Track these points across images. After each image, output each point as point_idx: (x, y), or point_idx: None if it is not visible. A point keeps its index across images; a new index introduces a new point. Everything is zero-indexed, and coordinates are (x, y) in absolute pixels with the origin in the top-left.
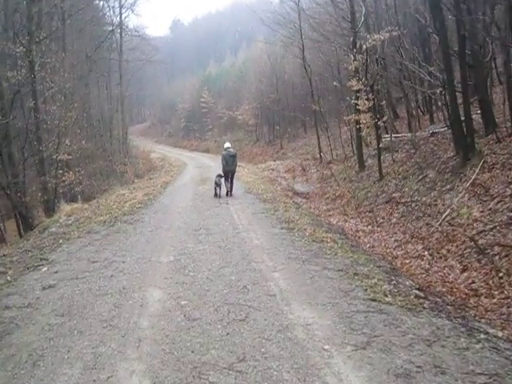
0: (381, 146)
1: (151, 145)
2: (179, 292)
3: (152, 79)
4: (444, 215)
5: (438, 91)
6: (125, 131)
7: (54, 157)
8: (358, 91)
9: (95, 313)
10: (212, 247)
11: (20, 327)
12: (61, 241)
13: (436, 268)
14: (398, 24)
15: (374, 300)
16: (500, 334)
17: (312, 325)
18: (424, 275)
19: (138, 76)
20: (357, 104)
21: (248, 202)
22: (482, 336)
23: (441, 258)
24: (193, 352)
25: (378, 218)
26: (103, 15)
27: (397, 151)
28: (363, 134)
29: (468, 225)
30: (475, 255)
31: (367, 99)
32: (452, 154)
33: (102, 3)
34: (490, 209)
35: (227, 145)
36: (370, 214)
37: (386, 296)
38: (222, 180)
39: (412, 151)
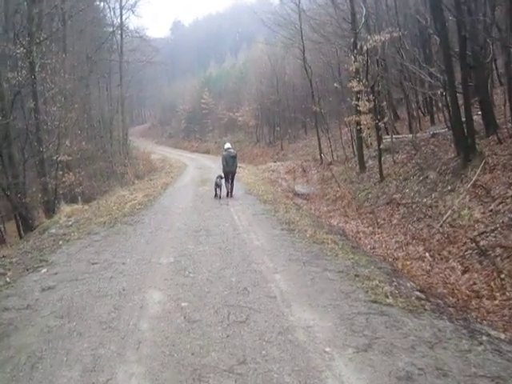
0: (381, 147)
1: (151, 146)
2: (179, 294)
3: (152, 80)
4: (445, 216)
5: (439, 92)
6: (125, 132)
7: (55, 158)
8: (358, 92)
9: (94, 314)
10: (212, 248)
11: (19, 329)
12: (61, 242)
13: (437, 269)
14: (398, 25)
15: (375, 302)
16: (502, 336)
17: (313, 327)
18: (425, 277)
19: (139, 77)
20: (357, 105)
21: (248, 203)
22: (484, 338)
23: (442, 259)
24: (193, 354)
25: (378, 220)
26: (104, 16)
27: (397, 152)
28: (364, 135)
29: (469, 226)
30: (476, 257)
31: (368, 100)
32: (453, 155)
33: (102, 4)
34: (492, 210)
35: (227, 146)
36: (371, 216)
37: (388, 298)
38: (223, 181)
39: (413, 152)
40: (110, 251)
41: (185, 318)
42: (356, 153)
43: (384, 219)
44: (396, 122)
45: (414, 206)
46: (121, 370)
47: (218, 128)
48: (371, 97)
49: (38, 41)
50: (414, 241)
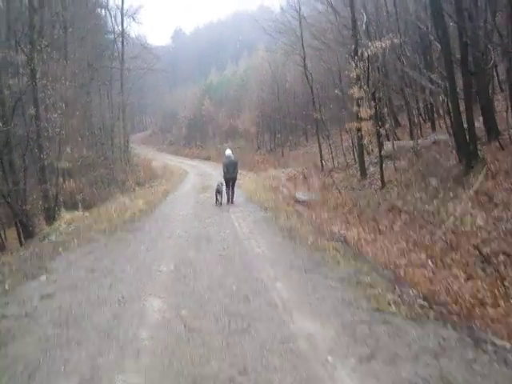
0: (382, 153)
1: (152, 153)
2: (179, 302)
3: (154, 88)
4: (447, 223)
5: (440, 99)
6: (126, 139)
7: (55, 165)
8: (359, 99)
9: (93, 323)
10: (213, 256)
11: (16, 337)
12: (60, 249)
13: (440, 277)
14: (399, 32)
15: (378, 310)
16: (508, 345)
17: (315, 336)
18: (428, 284)
19: (140, 84)
20: (358, 112)
21: (249, 210)
22: (490, 347)
23: (444, 266)
24: (193, 364)
25: (380, 227)
26: (105, 23)
27: (399, 159)
28: (365, 141)
29: (472, 233)
30: (480, 264)
31: (369, 107)
32: (455, 161)
33: (103, 11)
34: (494, 217)
35: (228, 152)
36: (373, 223)
37: (390, 306)
38: (223, 188)
39: (414, 159)
40: (109, 258)
41: (185, 326)
42: (357, 160)
43: (385, 226)
44: (397, 128)
45: (415, 213)
46: (119, 380)
47: (218, 135)
48: (372, 103)
49: (39, 48)
50: (416, 248)
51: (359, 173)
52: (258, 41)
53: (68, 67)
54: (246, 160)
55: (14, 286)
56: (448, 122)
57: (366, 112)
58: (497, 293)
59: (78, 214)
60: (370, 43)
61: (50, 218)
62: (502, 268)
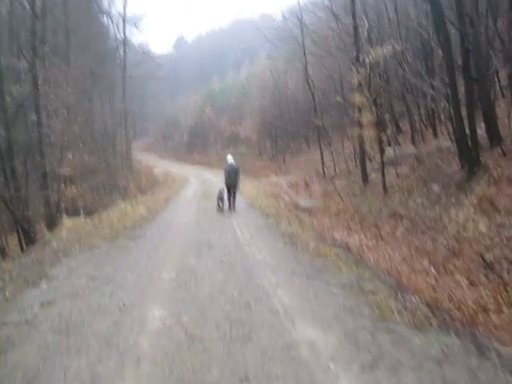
0: (384, 159)
1: (154, 160)
2: (180, 309)
3: (156, 95)
4: (450, 230)
5: (442, 105)
6: (128, 146)
7: (57, 171)
8: (361, 105)
9: (94, 330)
10: (214, 262)
11: (16, 345)
12: (61, 256)
13: (443, 283)
14: (400, 38)
15: (380, 317)
16: None
17: (317, 343)
18: (430, 291)
19: (142, 92)
20: (360, 118)
21: (251, 216)
22: (493, 354)
23: (447, 273)
24: (193, 371)
25: (382, 233)
26: (107, 31)
27: (400, 165)
28: (366, 148)
29: (474, 239)
30: (482, 270)
31: (370, 113)
32: (457, 167)
33: (106, 19)
34: (497, 223)
35: (230, 159)
36: (374, 229)
37: (393, 313)
38: (225, 194)
39: (416, 165)
40: (110, 265)
41: (186, 333)
42: (359, 166)
43: (387, 232)
44: (398, 134)
45: (417, 219)
46: None
47: (220, 142)
48: (374, 109)
49: (41, 54)
50: (418, 254)
51: (361, 179)
52: (260, 48)
53: (70, 74)
54: (247, 167)
55: (15, 292)
56: (450, 128)
57: (367, 118)
58: (500, 299)
59: (80, 220)
60: (371, 50)
61: (52, 224)
62: (505, 274)
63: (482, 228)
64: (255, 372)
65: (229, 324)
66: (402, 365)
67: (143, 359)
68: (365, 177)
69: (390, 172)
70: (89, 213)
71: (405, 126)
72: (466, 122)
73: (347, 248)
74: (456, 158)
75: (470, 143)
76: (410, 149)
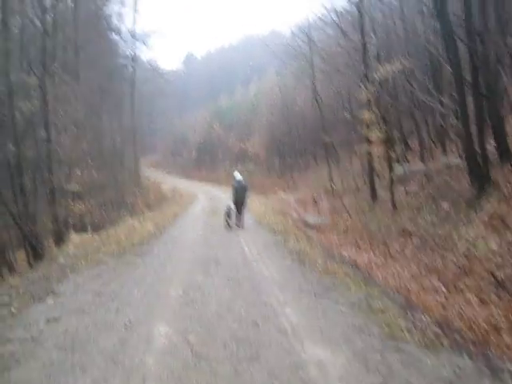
0: (393, 177)
1: (162, 176)
2: (187, 326)
3: (164, 111)
4: (460, 248)
5: (451, 121)
6: (136, 162)
7: (65, 187)
8: (370, 122)
9: (99, 348)
10: (221, 280)
11: (20, 362)
12: (68, 272)
13: (453, 302)
14: (408, 54)
15: (390, 336)
16: None
17: (325, 363)
18: (440, 310)
19: (150, 108)
20: (369, 135)
21: (258, 233)
22: (507, 377)
23: (457, 291)
24: None
25: (391, 250)
26: (116, 47)
27: (409, 182)
28: (375, 165)
29: (485, 257)
30: (493, 289)
31: (379, 130)
32: (467, 185)
33: (115, 35)
34: (508, 241)
35: (238, 176)
36: (383, 246)
37: (402, 332)
38: (233, 211)
39: (425, 182)
40: (117, 282)
41: (192, 352)
42: (367, 183)
43: (397, 250)
44: (407, 151)
45: (427, 237)
46: None
47: (228, 158)
48: (382, 126)
49: (50, 71)
50: (427, 272)
51: (369, 196)
52: (269, 65)
53: (79, 90)
54: (255, 183)
55: (21, 308)
56: (459, 144)
57: (375, 135)
58: None
59: (87, 236)
60: (379, 66)
61: (59, 240)
62: None
63: (493, 246)
64: None
65: (236, 343)
66: None
67: (149, 378)
68: (373, 194)
69: (399, 189)
70: (96, 229)
71: (413, 143)
72: (475, 138)
73: (356, 265)
74: (465, 175)
75: (479, 160)
76: (418, 166)
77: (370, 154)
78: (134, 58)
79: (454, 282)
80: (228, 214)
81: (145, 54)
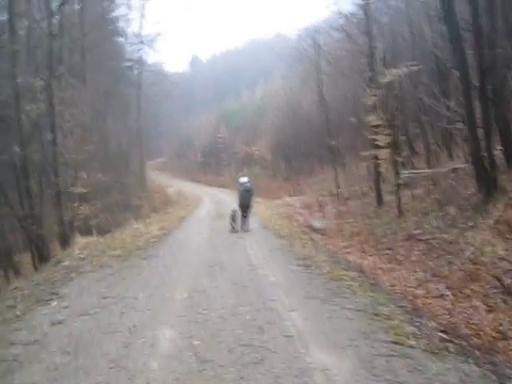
0: (399, 181)
1: (168, 179)
2: (192, 331)
3: (170, 114)
4: (466, 253)
5: (458, 126)
6: (142, 165)
7: (71, 190)
8: (376, 126)
9: (103, 352)
10: (227, 284)
11: (24, 365)
12: (73, 275)
13: (459, 308)
14: (415, 58)
15: (396, 343)
16: None
17: (331, 369)
18: (447, 316)
19: (156, 111)
20: (375, 139)
21: (264, 237)
22: None
23: (464, 297)
24: None
25: (397, 256)
26: (122, 50)
27: (416, 187)
28: (381, 169)
29: (492, 263)
30: (501, 295)
31: (386, 134)
32: (473, 190)
33: (121, 38)
34: None
35: (243, 180)
36: (389, 252)
37: (409, 338)
38: (238, 215)
39: (431, 187)
40: (122, 285)
41: (197, 357)
42: (373, 188)
43: (403, 255)
44: (413, 156)
45: (433, 242)
46: None
47: (234, 162)
48: (388, 131)
49: (57, 74)
50: (434, 278)
51: (375, 201)
52: (275, 68)
53: (85, 93)
54: (261, 187)
55: (25, 311)
56: (466, 149)
57: (382, 140)
58: None
59: (92, 239)
60: (386, 70)
61: (65, 242)
62: None
63: (500, 252)
64: None
65: (241, 348)
66: None
67: (153, 382)
68: (379, 198)
69: (405, 194)
70: (102, 232)
71: (419, 147)
72: (482, 143)
73: (361, 270)
74: (472, 180)
75: (486, 165)
76: (424, 170)
77: (375, 158)
78: (140, 61)
79: (461, 287)
80: (233, 218)
81: (151, 57)
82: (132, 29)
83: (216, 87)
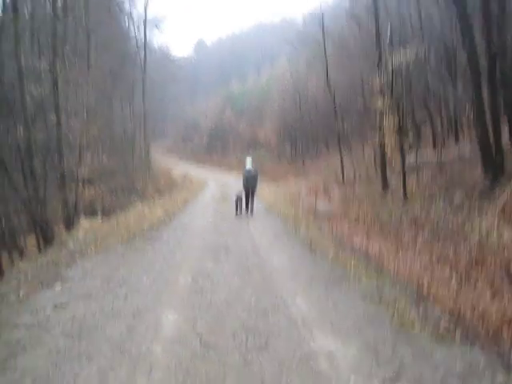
0: (405, 166)
1: (173, 162)
2: (196, 315)
3: (175, 97)
4: (472, 238)
5: (465, 110)
6: (147, 148)
7: (75, 172)
8: (382, 110)
9: (106, 335)
10: (231, 268)
11: (27, 349)
12: (77, 257)
13: (465, 294)
14: (423, 42)
15: (402, 328)
16: None
17: (336, 354)
18: (452, 301)
19: (162, 94)
20: (381, 123)
21: (269, 221)
22: None
23: (470, 283)
24: (207, 382)
25: (402, 240)
26: (128, 32)
27: (422, 172)
28: (387, 153)
29: (498, 249)
30: (507, 281)
31: (392, 118)
32: (480, 175)
33: (126, 20)
34: None
35: (248, 163)
36: (395, 236)
37: (414, 324)
38: (243, 199)
39: (438, 172)
40: (126, 268)
41: (200, 341)
42: (379, 172)
43: (408, 240)
44: (420, 140)
45: (439, 227)
46: None
47: (239, 145)
48: (396, 115)
49: (61, 55)
50: (439, 263)
51: (381, 185)
52: (281, 52)
53: (90, 74)
54: (266, 170)
55: (29, 293)
56: (473, 134)
57: (389, 124)
58: None
59: (97, 221)
60: (393, 54)
61: (69, 225)
62: None
63: (507, 238)
64: None
65: (245, 332)
66: (425, 379)
67: (156, 367)
68: (385, 183)
69: (411, 178)
70: (106, 214)
71: (426, 132)
72: (489, 128)
73: (367, 255)
74: (479, 165)
75: (493, 150)
76: (431, 155)
77: (382, 142)
78: (146, 43)
79: (466, 273)
80: (238, 201)
81: (156, 40)
82: (137, 10)
83: (221, 70)
